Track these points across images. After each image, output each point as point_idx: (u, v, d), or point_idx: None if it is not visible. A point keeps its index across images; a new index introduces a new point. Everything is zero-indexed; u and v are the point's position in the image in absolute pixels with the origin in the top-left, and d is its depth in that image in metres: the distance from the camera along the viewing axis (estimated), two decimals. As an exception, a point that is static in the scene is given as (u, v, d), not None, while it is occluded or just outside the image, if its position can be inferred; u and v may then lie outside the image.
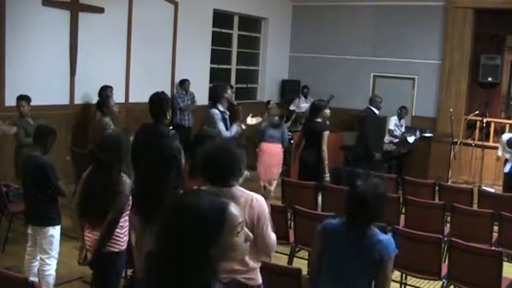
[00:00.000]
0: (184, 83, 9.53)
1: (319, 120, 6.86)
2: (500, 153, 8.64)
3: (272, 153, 7.91)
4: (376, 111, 8.35)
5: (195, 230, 1.54)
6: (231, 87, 10.58)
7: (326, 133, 6.73)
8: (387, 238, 2.80)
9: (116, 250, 3.63)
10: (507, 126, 9.68)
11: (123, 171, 3.64)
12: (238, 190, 2.86)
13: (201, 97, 10.23)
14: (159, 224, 1.62)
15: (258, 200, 2.87)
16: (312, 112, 6.99)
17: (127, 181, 3.62)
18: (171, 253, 1.55)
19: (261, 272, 3.00)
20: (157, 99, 5.01)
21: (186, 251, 1.53)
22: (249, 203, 2.82)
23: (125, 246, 3.68)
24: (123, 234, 3.66)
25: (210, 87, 10.35)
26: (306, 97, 11.40)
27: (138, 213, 3.68)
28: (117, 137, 3.80)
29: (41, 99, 7.43)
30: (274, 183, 8.12)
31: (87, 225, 3.68)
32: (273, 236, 2.95)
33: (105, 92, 7.82)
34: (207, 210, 1.56)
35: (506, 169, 7.97)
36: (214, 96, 6.60)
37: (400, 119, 10.27)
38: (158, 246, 1.59)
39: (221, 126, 6.23)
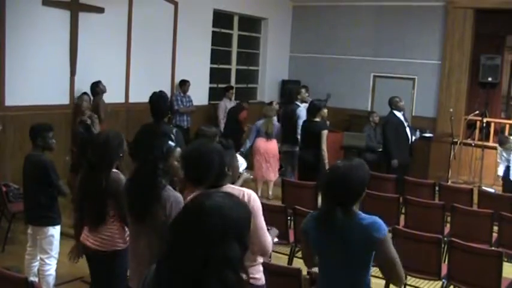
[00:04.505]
0: (184, 84, 9.42)
1: (317, 119, 6.87)
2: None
3: (268, 149, 7.91)
4: (398, 113, 7.92)
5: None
6: (231, 87, 10.59)
7: (325, 132, 6.76)
8: (376, 217, 2.65)
9: (114, 249, 3.52)
10: (507, 126, 9.67)
11: (116, 168, 3.56)
12: (228, 188, 2.81)
13: (201, 97, 10.23)
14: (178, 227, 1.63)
15: (250, 195, 2.81)
16: (310, 112, 7.00)
17: (121, 177, 3.51)
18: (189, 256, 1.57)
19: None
20: (156, 98, 5.03)
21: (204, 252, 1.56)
22: None
23: (125, 244, 3.55)
24: (119, 232, 3.54)
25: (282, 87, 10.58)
26: (305, 97, 11.38)
27: (130, 213, 3.61)
28: (106, 138, 3.61)
29: (41, 99, 7.44)
30: (272, 184, 8.12)
31: (87, 226, 3.61)
32: (268, 235, 2.86)
33: (97, 87, 7.81)
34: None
35: (500, 172, 7.73)
36: (290, 95, 7.05)
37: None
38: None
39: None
